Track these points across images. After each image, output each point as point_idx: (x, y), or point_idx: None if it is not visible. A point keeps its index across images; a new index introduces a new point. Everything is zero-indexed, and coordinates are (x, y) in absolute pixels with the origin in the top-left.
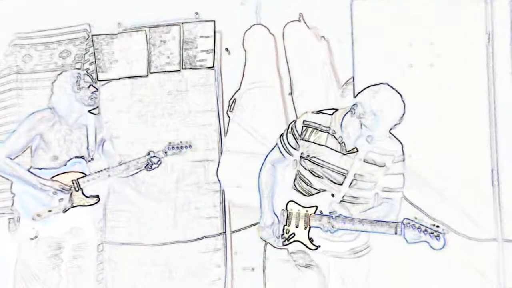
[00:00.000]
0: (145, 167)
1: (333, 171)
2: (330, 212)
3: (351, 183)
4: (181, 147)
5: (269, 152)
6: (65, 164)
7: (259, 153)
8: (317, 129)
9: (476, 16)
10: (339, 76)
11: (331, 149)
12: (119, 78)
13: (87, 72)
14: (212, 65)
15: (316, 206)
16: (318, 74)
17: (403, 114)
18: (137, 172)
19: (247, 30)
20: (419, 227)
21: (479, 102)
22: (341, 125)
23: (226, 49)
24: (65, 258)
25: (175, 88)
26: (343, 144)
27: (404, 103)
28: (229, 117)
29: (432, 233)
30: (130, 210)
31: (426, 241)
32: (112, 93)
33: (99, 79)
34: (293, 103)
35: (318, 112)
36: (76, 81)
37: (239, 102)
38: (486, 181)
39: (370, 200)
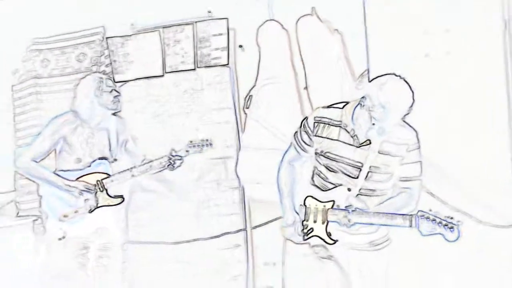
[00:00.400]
0: (167, 166)
1: (347, 164)
2: (346, 206)
3: (366, 176)
4: (202, 145)
5: (285, 152)
6: (89, 166)
7: (277, 149)
8: (328, 124)
9: (493, 2)
10: (353, 69)
11: (344, 142)
12: (135, 79)
13: (109, 76)
14: (226, 63)
15: (333, 201)
16: (332, 68)
17: (412, 103)
18: (159, 171)
19: (260, 26)
20: (433, 219)
21: (497, 90)
22: (352, 118)
23: (240, 46)
24: (91, 257)
25: (191, 87)
26: (355, 137)
27: (412, 92)
28: (245, 114)
29: (446, 225)
30: (151, 210)
31: (441, 233)
32: (129, 94)
33: (115, 80)
34: (309, 98)
35: (329, 106)
36: (98, 86)
37: (255, 98)
38: (506, 170)
39: (388, 191)
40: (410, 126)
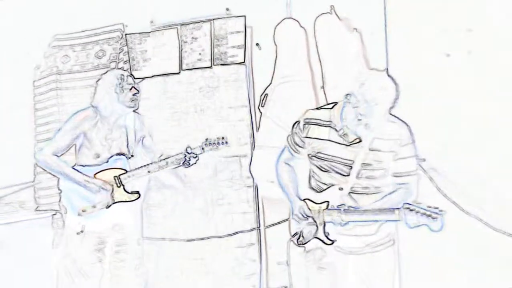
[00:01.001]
0: (183, 163)
1: (338, 163)
2: (338, 206)
3: (358, 174)
4: (218, 143)
5: (279, 154)
6: (107, 161)
7: None
8: (318, 125)
9: None
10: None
11: (334, 142)
12: (152, 76)
13: (131, 73)
14: (243, 61)
15: (328, 201)
16: (350, 67)
17: (397, 97)
18: (175, 168)
19: (278, 24)
20: (417, 211)
21: None
22: (341, 117)
23: (257, 44)
24: (108, 252)
25: (207, 85)
26: (345, 136)
27: (396, 85)
28: (261, 112)
29: (430, 215)
30: (165, 207)
31: (426, 224)
32: (145, 91)
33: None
34: (325, 97)
35: (318, 108)
36: (119, 83)
37: (271, 97)
38: None
39: (384, 188)
40: (402, 120)
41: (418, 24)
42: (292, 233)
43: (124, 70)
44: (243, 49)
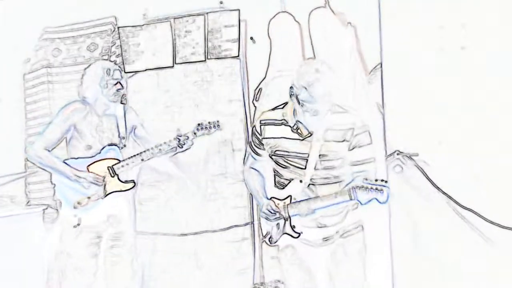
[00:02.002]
0: (177, 147)
1: (294, 157)
2: (290, 200)
3: (316, 165)
4: (210, 127)
5: (244, 162)
6: (99, 152)
7: None
8: (273, 124)
9: None
10: (366, 63)
11: (288, 138)
12: (145, 70)
13: (119, 66)
14: (237, 55)
15: (290, 196)
16: (344, 62)
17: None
18: (169, 153)
19: (272, 18)
20: (366, 187)
21: None
22: (293, 113)
23: (251, 38)
24: (103, 247)
25: (201, 79)
26: (298, 130)
27: (330, 69)
28: (255, 106)
29: (377, 188)
30: (158, 201)
31: (375, 198)
32: (139, 85)
33: (125, 71)
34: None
35: (273, 109)
36: (104, 77)
37: (265, 91)
38: None
39: (344, 177)
40: (354, 111)
41: (412, 19)
42: (264, 234)
43: (113, 62)
44: (237, 43)
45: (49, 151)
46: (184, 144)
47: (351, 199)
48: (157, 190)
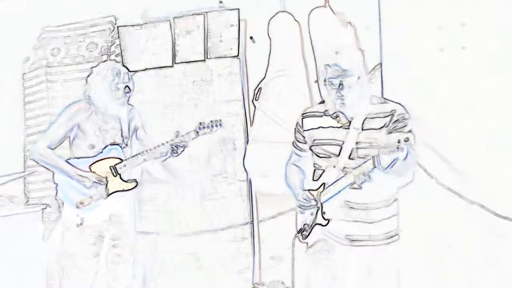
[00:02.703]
0: (177, 147)
1: (329, 145)
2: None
3: (350, 154)
4: (212, 126)
5: (288, 159)
6: (101, 152)
7: (285, 142)
8: (314, 116)
9: None
10: (366, 63)
11: (325, 127)
12: (145, 69)
13: (127, 69)
14: (237, 54)
15: (323, 183)
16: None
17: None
18: (171, 153)
19: (272, 17)
20: (388, 151)
21: None
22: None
23: (251, 38)
24: (105, 246)
25: (200, 78)
26: (338, 118)
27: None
28: (254, 106)
29: (397, 148)
30: (157, 201)
31: (396, 158)
32: (138, 84)
33: None
34: (319, 91)
35: (319, 103)
36: (114, 79)
37: (265, 90)
38: None
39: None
40: (395, 102)
41: (412, 19)
42: (298, 230)
43: (120, 64)
44: (237, 42)
45: (52, 149)
46: (185, 145)
47: (374, 167)
48: (157, 190)
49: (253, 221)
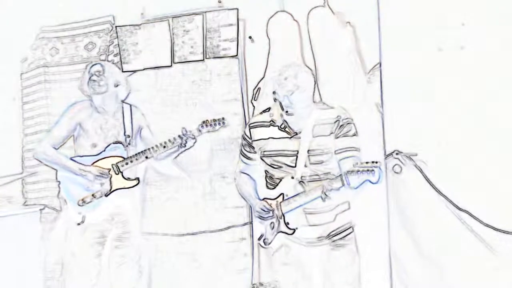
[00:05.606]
0: (180, 146)
1: (284, 156)
2: (282, 199)
3: (305, 162)
4: (215, 124)
5: (237, 167)
6: (104, 150)
7: None
8: (262, 126)
9: None
10: (365, 63)
11: (276, 138)
12: (143, 69)
13: (94, 62)
14: (235, 54)
15: (282, 193)
16: (343, 61)
17: (314, 82)
18: (174, 151)
19: (271, 17)
20: (357, 171)
21: None
22: (280, 114)
23: (250, 37)
24: (108, 246)
25: (199, 78)
26: (286, 129)
27: (312, 72)
28: (253, 106)
29: (368, 170)
30: (156, 201)
31: (367, 179)
32: (137, 84)
33: (123, 70)
34: (318, 91)
35: (261, 113)
36: (89, 77)
37: (264, 90)
38: None
39: (334, 171)
40: (338, 106)
41: (411, 19)
42: (258, 236)
43: (112, 62)
44: (236, 42)
45: (56, 149)
46: (187, 141)
47: (343, 185)
48: (156, 190)
49: (252, 221)
